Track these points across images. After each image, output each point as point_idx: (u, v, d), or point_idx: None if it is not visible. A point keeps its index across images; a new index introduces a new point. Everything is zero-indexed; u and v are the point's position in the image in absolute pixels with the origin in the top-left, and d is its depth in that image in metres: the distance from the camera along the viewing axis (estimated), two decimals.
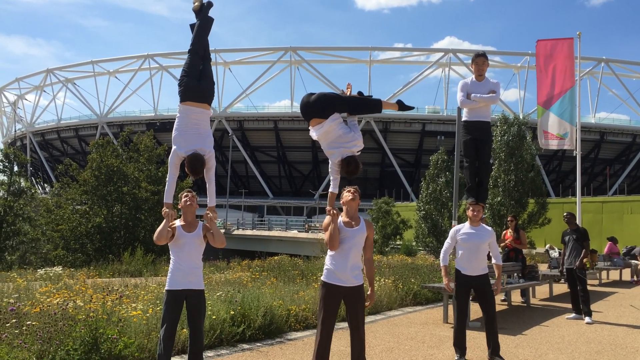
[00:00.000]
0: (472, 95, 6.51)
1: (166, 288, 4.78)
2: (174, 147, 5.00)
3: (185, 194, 4.94)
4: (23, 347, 4.75)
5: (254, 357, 5.91)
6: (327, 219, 4.71)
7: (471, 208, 6.29)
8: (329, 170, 5.13)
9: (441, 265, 6.35)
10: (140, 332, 5.71)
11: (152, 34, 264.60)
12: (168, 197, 4.97)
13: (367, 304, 4.83)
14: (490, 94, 6.52)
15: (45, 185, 77.95)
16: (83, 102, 78.14)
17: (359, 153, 5.08)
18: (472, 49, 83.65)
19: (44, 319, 5.37)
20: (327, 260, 4.75)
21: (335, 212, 4.69)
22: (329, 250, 4.74)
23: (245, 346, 6.37)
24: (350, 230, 4.70)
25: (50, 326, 5.10)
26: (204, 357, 5.63)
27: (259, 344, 6.50)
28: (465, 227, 6.24)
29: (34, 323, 5.20)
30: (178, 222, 4.87)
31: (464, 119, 6.73)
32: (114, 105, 75.79)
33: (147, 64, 74.17)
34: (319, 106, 5.08)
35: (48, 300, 6.57)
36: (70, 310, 5.63)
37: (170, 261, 4.84)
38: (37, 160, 79.04)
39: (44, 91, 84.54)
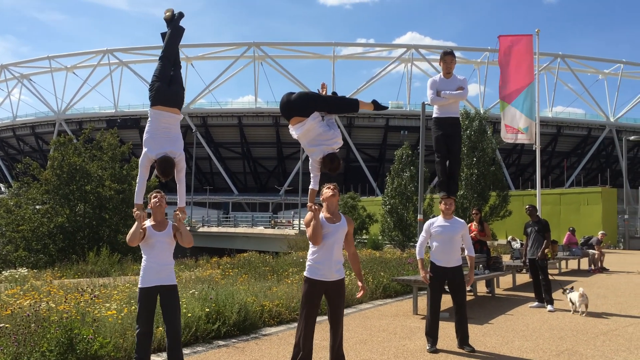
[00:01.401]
0: (442, 92, 6.69)
1: (139, 286, 4.92)
2: (144, 150, 5.14)
3: (155, 194, 5.10)
4: None
5: (230, 353, 5.96)
6: (309, 215, 4.81)
7: (443, 202, 6.47)
8: (310, 167, 5.26)
9: (417, 258, 6.52)
10: (116, 331, 5.70)
11: (111, 29, 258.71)
12: (138, 199, 5.12)
13: (359, 295, 5.06)
14: (459, 91, 6.72)
15: (0, 185, 75.46)
16: (39, 99, 76.03)
17: (339, 150, 5.22)
18: (433, 45, 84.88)
19: (15, 321, 5.31)
20: (310, 256, 4.85)
21: (316, 207, 4.80)
22: (311, 245, 4.84)
23: (221, 342, 6.41)
24: (332, 226, 4.82)
25: (23, 328, 5.05)
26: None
27: (234, 340, 6.55)
28: (439, 220, 6.43)
29: (6, 325, 5.13)
30: (148, 222, 5.03)
31: (434, 115, 6.91)
32: (72, 102, 73.88)
33: (107, 60, 72.46)
34: (300, 105, 5.20)
35: (18, 302, 6.47)
36: (42, 312, 5.57)
37: (142, 260, 4.99)
38: None
39: None
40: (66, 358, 5.01)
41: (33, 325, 5.17)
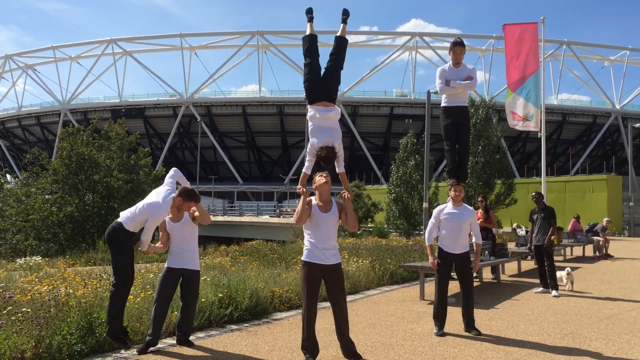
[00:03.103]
0: (451, 82, 6.79)
1: (166, 265, 5.57)
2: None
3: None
4: (22, 332, 4.87)
5: (243, 336, 6.13)
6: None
7: (453, 189, 6.58)
8: (307, 151, 5.46)
9: (426, 244, 6.66)
10: (132, 316, 5.89)
11: (115, 18, 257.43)
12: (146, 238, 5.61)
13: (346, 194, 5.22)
14: (468, 81, 6.81)
15: (7, 174, 75.79)
16: (44, 89, 76.04)
17: (338, 151, 5.33)
18: (437, 32, 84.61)
19: (36, 306, 5.49)
20: (306, 241, 5.09)
21: (305, 190, 5.05)
22: (306, 233, 5.10)
23: (234, 327, 6.59)
24: (324, 215, 5.06)
25: (44, 313, 5.25)
26: (195, 336, 5.98)
27: (246, 325, 6.73)
28: (448, 207, 6.55)
29: (27, 310, 5.31)
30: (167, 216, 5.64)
31: (443, 104, 7.01)
32: (77, 92, 73.90)
33: (111, 49, 72.36)
34: (332, 91, 5.52)
35: (35, 288, 6.65)
36: (62, 297, 5.75)
37: (170, 245, 5.66)
38: None
39: (3, 78, 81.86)
40: (86, 341, 5.22)
41: (53, 310, 5.36)
